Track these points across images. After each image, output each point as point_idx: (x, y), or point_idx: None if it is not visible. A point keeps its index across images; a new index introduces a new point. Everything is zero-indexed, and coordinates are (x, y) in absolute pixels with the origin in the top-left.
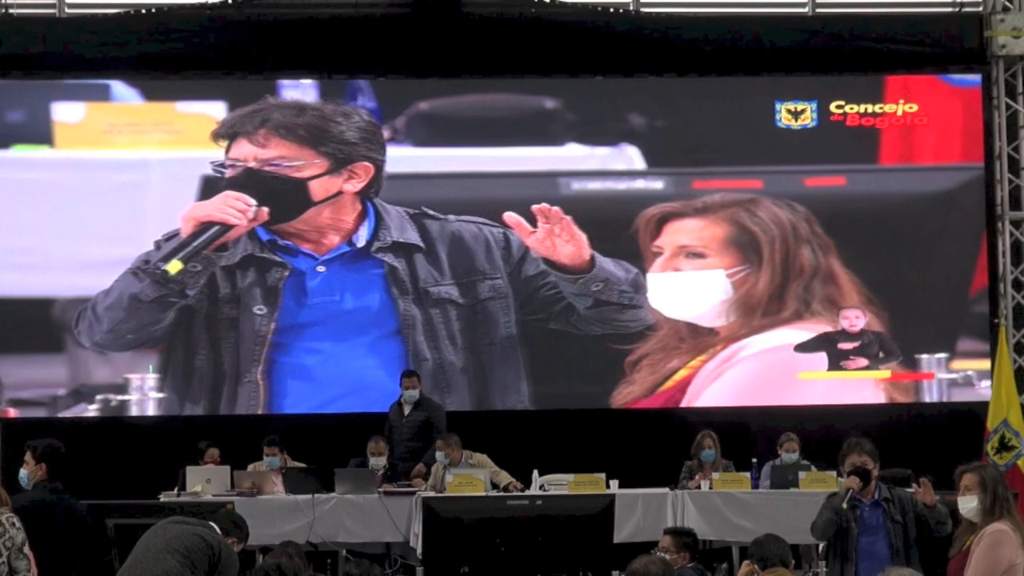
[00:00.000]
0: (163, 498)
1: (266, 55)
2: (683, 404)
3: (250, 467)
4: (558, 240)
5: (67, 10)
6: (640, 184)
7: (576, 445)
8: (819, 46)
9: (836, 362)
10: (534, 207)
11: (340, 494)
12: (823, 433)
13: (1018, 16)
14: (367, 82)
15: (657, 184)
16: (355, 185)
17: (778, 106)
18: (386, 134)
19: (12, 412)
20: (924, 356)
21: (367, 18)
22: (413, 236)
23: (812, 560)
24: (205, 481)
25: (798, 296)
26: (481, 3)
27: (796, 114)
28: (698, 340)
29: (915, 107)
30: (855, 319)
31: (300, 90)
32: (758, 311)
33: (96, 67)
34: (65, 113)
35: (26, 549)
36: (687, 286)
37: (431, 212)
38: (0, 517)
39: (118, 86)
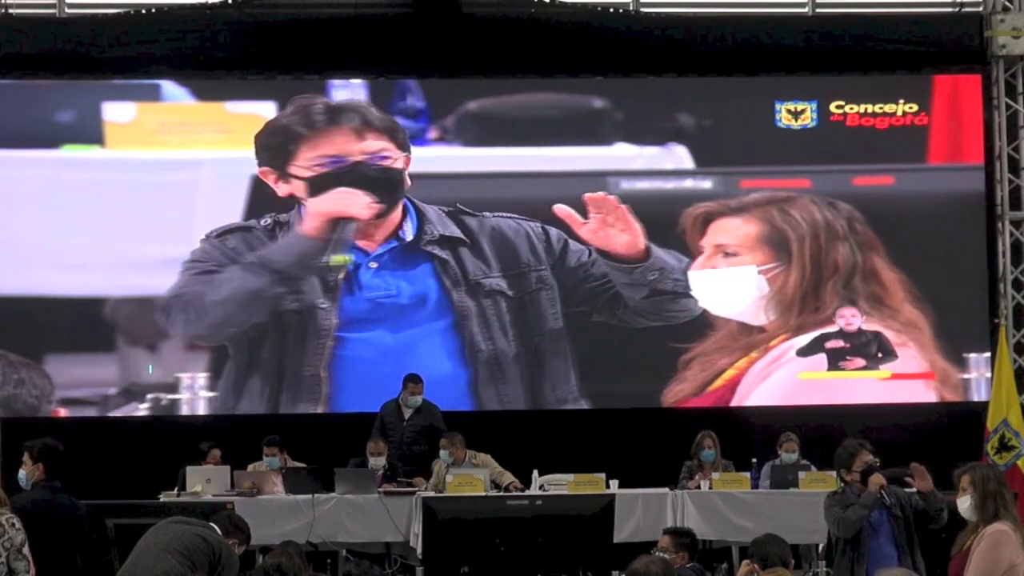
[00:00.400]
0: (163, 498)
1: (267, 55)
2: (732, 403)
3: (250, 467)
4: (612, 230)
5: (67, 10)
6: (688, 183)
7: (576, 445)
8: (819, 46)
9: (834, 362)
10: (587, 195)
11: (340, 494)
12: (823, 433)
13: (1018, 16)
14: (415, 82)
15: (705, 183)
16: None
17: (778, 106)
18: (434, 134)
19: (63, 412)
20: (971, 355)
21: (367, 18)
22: (456, 231)
23: (812, 560)
24: (205, 481)
25: (838, 293)
26: (481, 3)
27: (796, 114)
28: (748, 339)
29: (915, 107)
30: (851, 318)
31: (350, 90)
32: (794, 308)
33: (98, 67)
34: (116, 113)
35: (25, 550)
36: (725, 283)
37: (466, 209)
38: (0, 518)
39: (169, 86)
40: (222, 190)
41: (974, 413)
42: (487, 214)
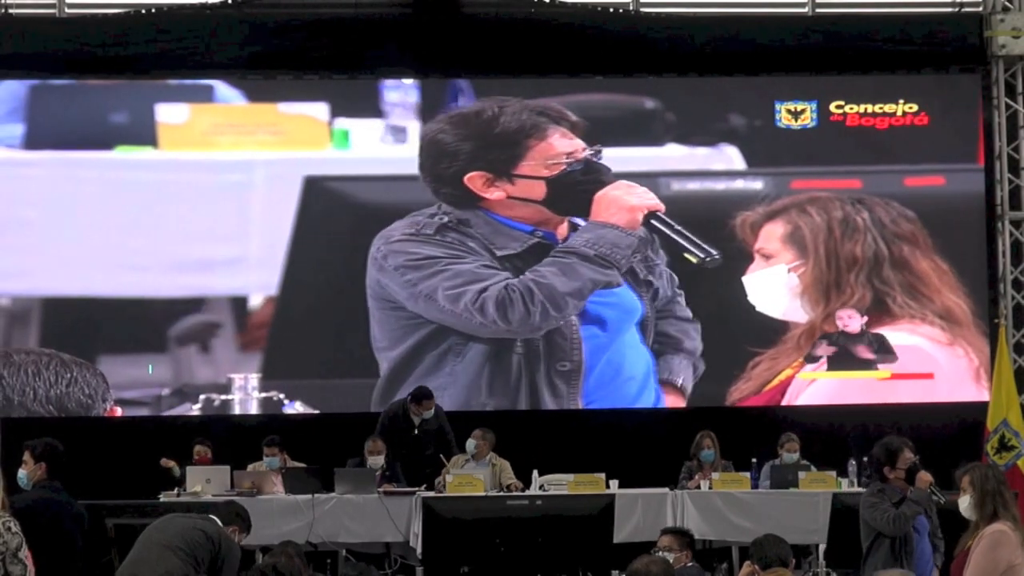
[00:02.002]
0: (163, 498)
1: (267, 55)
2: (784, 402)
3: (250, 467)
4: None
5: (67, 10)
6: (739, 184)
7: (576, 445)
8: (819, 46)
9: (835, 362)
10: None
11: (340, 494)
12: (823, 433)
13: (1018, 16)
14: (467, 82)
15: (756, 184)
16: None
17: (778, 106)
18: None
19: (118, 411)
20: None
21: (367, 18)
22: None
23: (812, 560)
24: (205, 481)
25: (865, 284)
26: (481, 3)
27: (796, 114)
28: (799, 338)
29: (915, 107)
30: (848, 319)
31: (402, 90)
32: (821, 300)
33: (101, 67)
34: (169, 114)
35: (21, 554)
36: (769, 284)
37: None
38: None
39: (221, 87)
40: (275, 191)
41: (974, 413)
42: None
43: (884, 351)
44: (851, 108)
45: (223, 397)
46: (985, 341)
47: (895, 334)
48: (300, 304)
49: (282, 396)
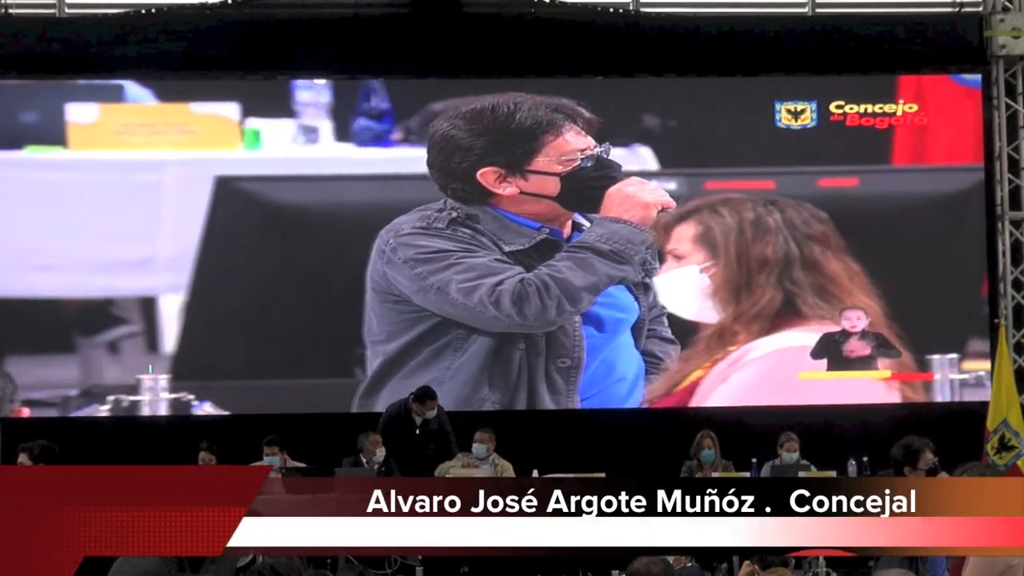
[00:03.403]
0: None
1: (266, 55)
2: (691, 404)
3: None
4: None
5: (67, 10)
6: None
7: (576, 445)
8: (819, 46)
9: (837, 362)
10: None
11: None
12: (823, 433)
13: (1018, 16)
14: (380, 82)
15: (670, 185)
16: None
17: (778, 106)
18: (398, 135)
19: (25, 412)
20: (935, 357)
21: (367, 18)
22: None
23: (813, 560)
24: None
25: (775, 285)
26: (481, 3)
27: (796, 114)
28: (709, 339)
29: (915, 107)
30: (856, 320)
31: (314, 91)
32: (731, 301)
33: (98, 67)
34: (79, 114)
35: None
36: (680, 285)
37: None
38: None
39: (132, 87)
40: (186, 191)
41: (974, 413)
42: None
43: (886, 351)
44: (851, 108)
45: (132, 398)
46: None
47: (804, 335)
48: (210, 305)
49: (191, 397)
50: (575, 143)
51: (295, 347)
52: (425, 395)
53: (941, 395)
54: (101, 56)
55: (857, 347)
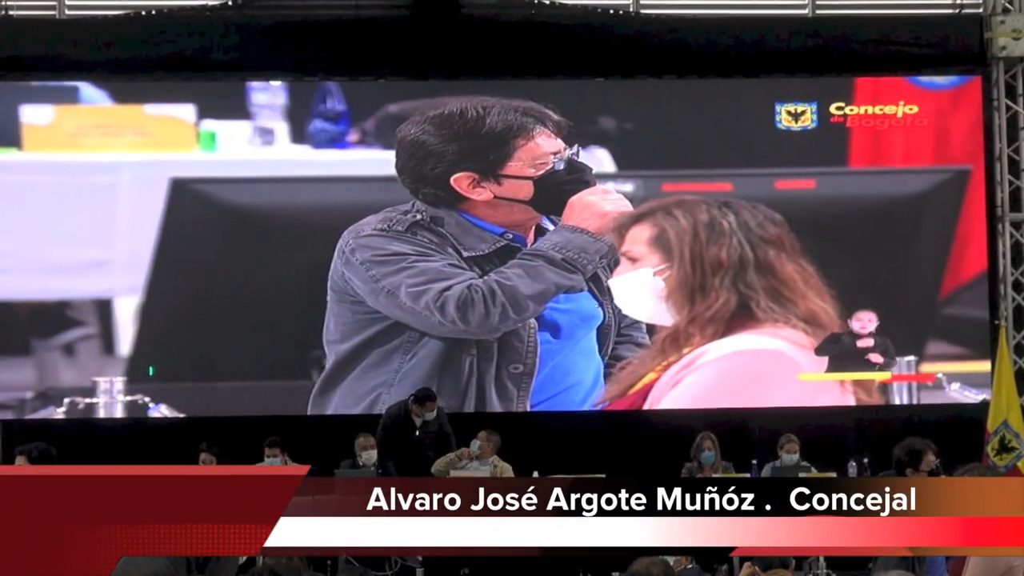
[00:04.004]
0: None
1: (266, 56)
2: (645, 406)
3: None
4: None
5: (67, 12)
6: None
7: (576, 445)
8: (819, 47)
9: (840, 364)
10: None
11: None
12: (823, 434)
13: (1018, 17)
14: (336, 84)
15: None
16: None
17: (778, 108)
18: (354, 137)
19: None
20: (896, 358)
21: (367, 20)
22: None
23: (813, 562)
24: None
25: (729, 288)
26: (481, 4)
27: (796, 115)
28: (663, 342)
29: (915, 108)
30: (867, 322)
31: (270, 92)
32: (685, 304)
33: (76, 69)
34: (33, 115)
35: None
36: (634, 288)
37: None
38: None
39: (87, 88)
40: (141, 193)
41: (974, 414)
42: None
43: (889, 354)
44: (851, 110)
45: (87, 400)
46: None
47: (757, 338)
48: (166, 307)
49: (147, 399)
50: (546, 146)
51: (251, 349)
52: (425, 397)
53: (899, 398)
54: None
55: (864, 348)
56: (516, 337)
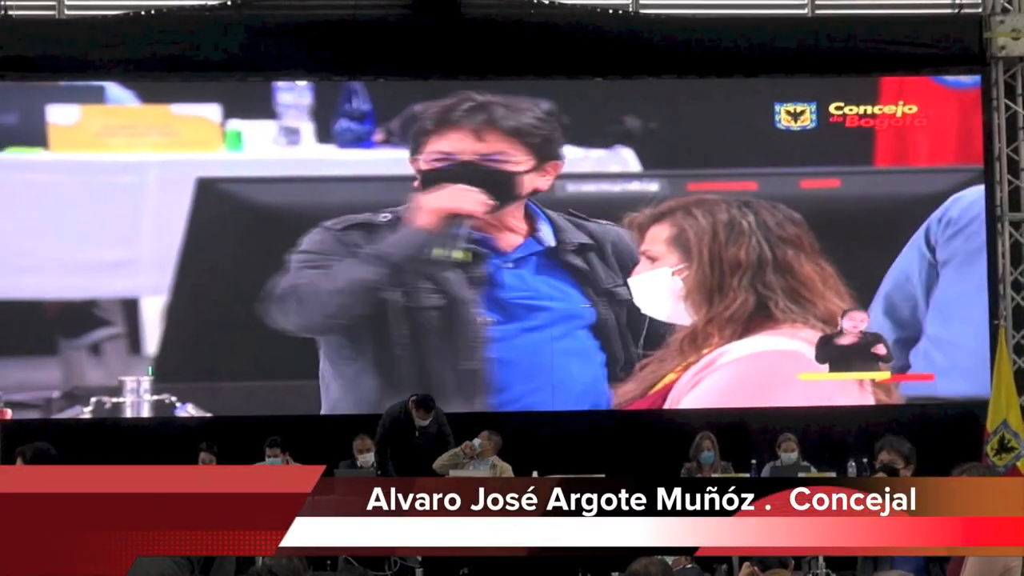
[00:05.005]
0: None
1: (265, 57)
2: (665, 406)
3: None
4: None
5: (67, 12)
6: (635, 186)
7: (576, 445)
8: (818, 47)
9: (837, 364)
10: None
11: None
12: (822, 434)
13: (1017, 17)
14: (362, 84)
15: (652, 187)
16: (546, 183)
17: (777, 108)
18: (380, 136)
19: (9, 413)
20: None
21: (367, 20)
22: (585, 238)
23: (812, 561)
24: None
25: (747, 288)
26: (480, 5)
27: (795, 115)
28: (682, 342)
29: (914, 108)
30: (859, 322)
31: (295, 92)
32: (704, 304)
33: (95, 69)
34: (60, 115)
35: None
36: (650, 286)
37: (580, 215)
38: None
39: (113, 88)
40: (167, 193)
41: (973, 414)
42: (602, 222)
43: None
44: (851, 109)
45: (114, 400)
46: None
47: (775, 339)
48: (192, 306)
49: (174, 399)
50: (442, 146)
51: (277, 349)
52: (421, 404)
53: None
54: (86, 59)
55: (858, 347)
56: (464, 332)
